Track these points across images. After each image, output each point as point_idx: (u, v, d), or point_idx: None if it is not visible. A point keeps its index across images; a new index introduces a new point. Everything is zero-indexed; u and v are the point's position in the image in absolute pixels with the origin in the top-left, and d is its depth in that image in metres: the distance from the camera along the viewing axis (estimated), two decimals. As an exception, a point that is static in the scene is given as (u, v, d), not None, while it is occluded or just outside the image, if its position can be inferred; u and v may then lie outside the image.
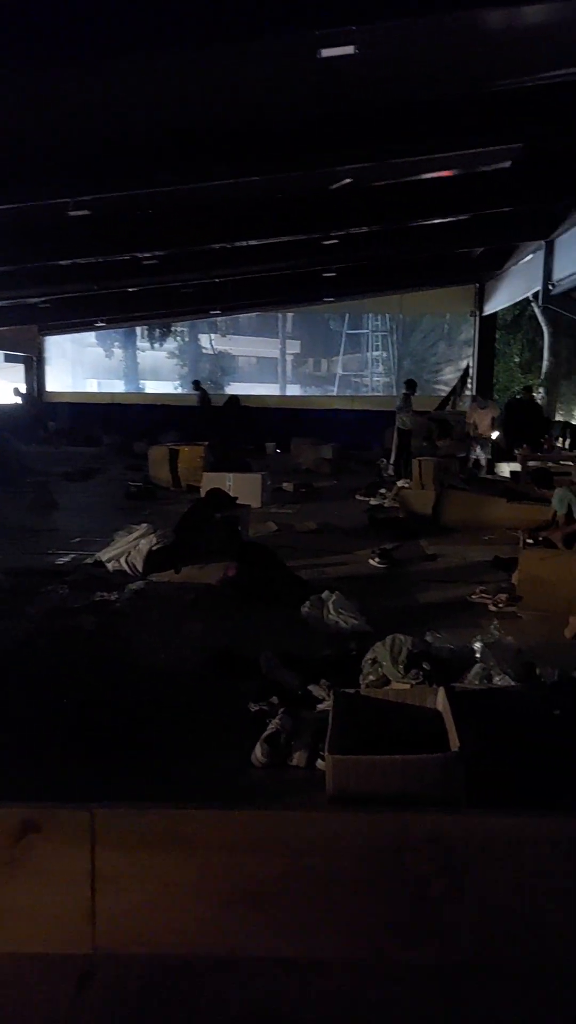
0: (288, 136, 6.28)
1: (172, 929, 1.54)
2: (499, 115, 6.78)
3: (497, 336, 21.13)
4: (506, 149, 8.28)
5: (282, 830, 1.53)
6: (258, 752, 3.23)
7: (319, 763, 3.07)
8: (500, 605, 5.99)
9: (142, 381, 26.73)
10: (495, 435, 12.64)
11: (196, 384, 17.63)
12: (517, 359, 23.64)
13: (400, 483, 10.95)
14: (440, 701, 3.30)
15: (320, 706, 3.57)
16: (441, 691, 3.33)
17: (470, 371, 16.91)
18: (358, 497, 11.00)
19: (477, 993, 1.44)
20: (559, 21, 5.76)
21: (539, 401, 14.56)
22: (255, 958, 1.49)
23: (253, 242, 10.39)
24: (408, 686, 3.60)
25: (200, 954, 1.47)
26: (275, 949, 1.49)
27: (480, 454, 12.32)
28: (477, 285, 16.33)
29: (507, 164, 8.78)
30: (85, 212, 7.90)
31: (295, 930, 1.50)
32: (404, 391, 13.09)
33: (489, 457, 11.93)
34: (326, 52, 4.70)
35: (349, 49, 4.63)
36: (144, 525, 6.91)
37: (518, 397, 14.66)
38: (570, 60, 6.30)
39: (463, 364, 17.29)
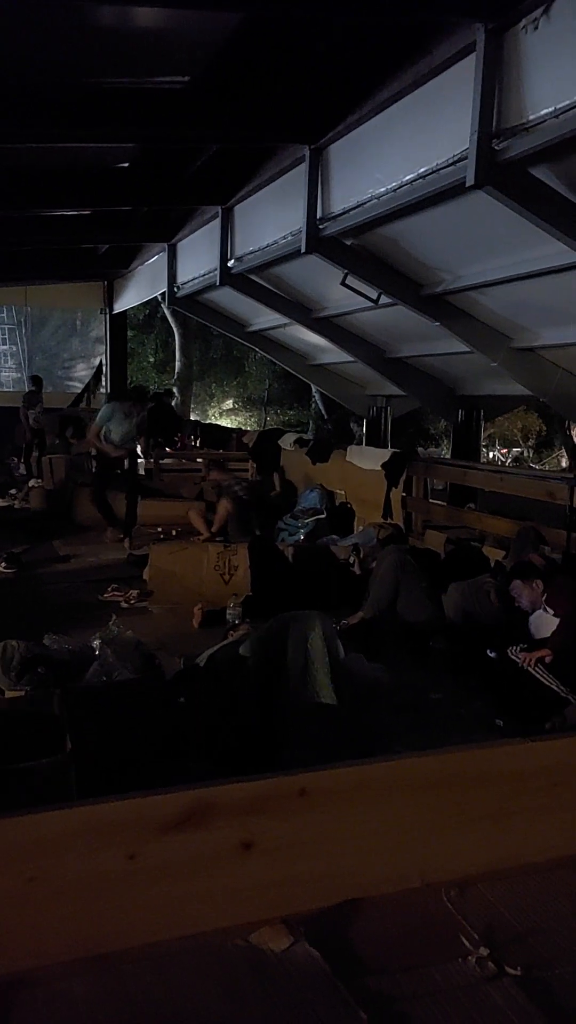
0: None
1: None
2: (109, 113, 6.79)
3: (131, 335, 21.33)
4: (122, 148, 8.33)
5: None
6: None
7: None
8: (132, 601, 6.06)
9: None
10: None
11: None
12: (152, 359, 24.14)
13: (31, 482, 10.57)
14: (56, 704, 3.23)
15: None
16: (57, 694, 3.27)
17: (103, 369, 16.86)
18: (-15, 499, 10.39)
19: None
20: (167, 28, 5.94)
21: (170, 402, 14.97)
22: None
23: None
24: (22, 693, 3.46)
25: None
26: None
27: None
28: (105, 282, 16.30)
29: (125, 164, 8.87)
30: None
31: None
32: (31, 388, 12.67)
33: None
34: None
35: None
36: None
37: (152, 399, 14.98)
38: (176, 68, 6.54)
39: (96, 361, 17.16)
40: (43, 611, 5.67)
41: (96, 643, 3.96)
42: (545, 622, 4.67)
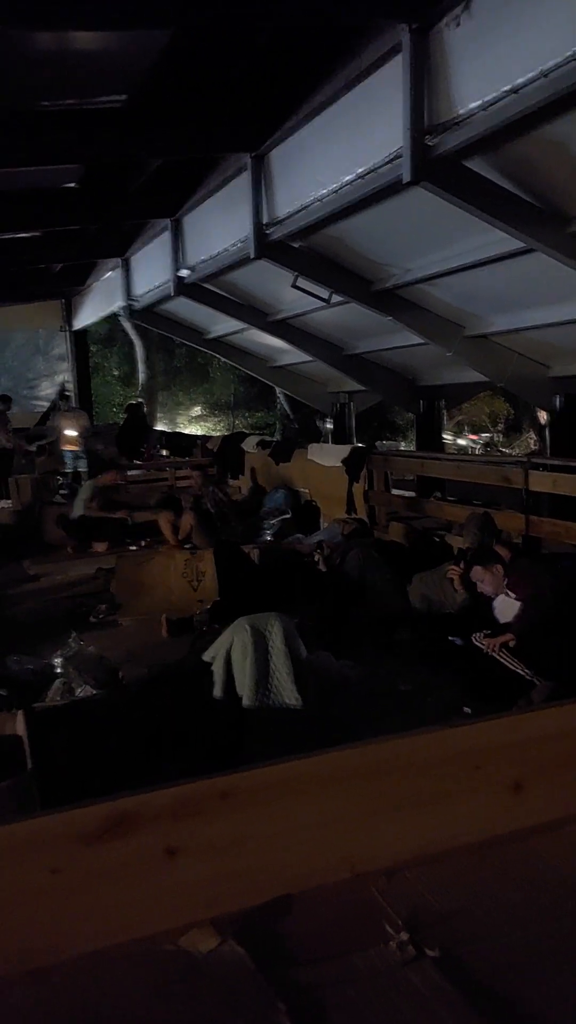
0: None
1: None
2: (52, 134, 6.82)
3: (94, 350, 21.28)
4: (67, 169, 8.34)
5: None
6: None
7: None
8: (100, 615, 6.05)
9: None
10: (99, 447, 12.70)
11: None
12: (116, 372, 24.09)
13: (-1, 504, 10.53)
14: (19, 725, 3.24)
15: None
16: (20, 715, 3.28)
17: (67, 386, 16.84)
18: (-49, 523, 10.29)
19: None
20: (102, 50, 5.97)
21: (141, 411, 14.91)
22: None
23: None
24: (-16, 717, 3.46)
25: None
26: None
27: (79, 465, 12.22)
28: (63, 300, 16.30)
29: (72, 184, 8.88)
30: None
31: None
32: (-1, 408, 12.59)
33: (85, 470, 11.86)
34: None
35: None
36: None
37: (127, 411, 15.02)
38: (114, 87, 6.57)
39: (60, 379, 17.14)
40: (12, 632, 5.67)
41: (58, 661, 3.98)
42: (508, 606, 4.71)
